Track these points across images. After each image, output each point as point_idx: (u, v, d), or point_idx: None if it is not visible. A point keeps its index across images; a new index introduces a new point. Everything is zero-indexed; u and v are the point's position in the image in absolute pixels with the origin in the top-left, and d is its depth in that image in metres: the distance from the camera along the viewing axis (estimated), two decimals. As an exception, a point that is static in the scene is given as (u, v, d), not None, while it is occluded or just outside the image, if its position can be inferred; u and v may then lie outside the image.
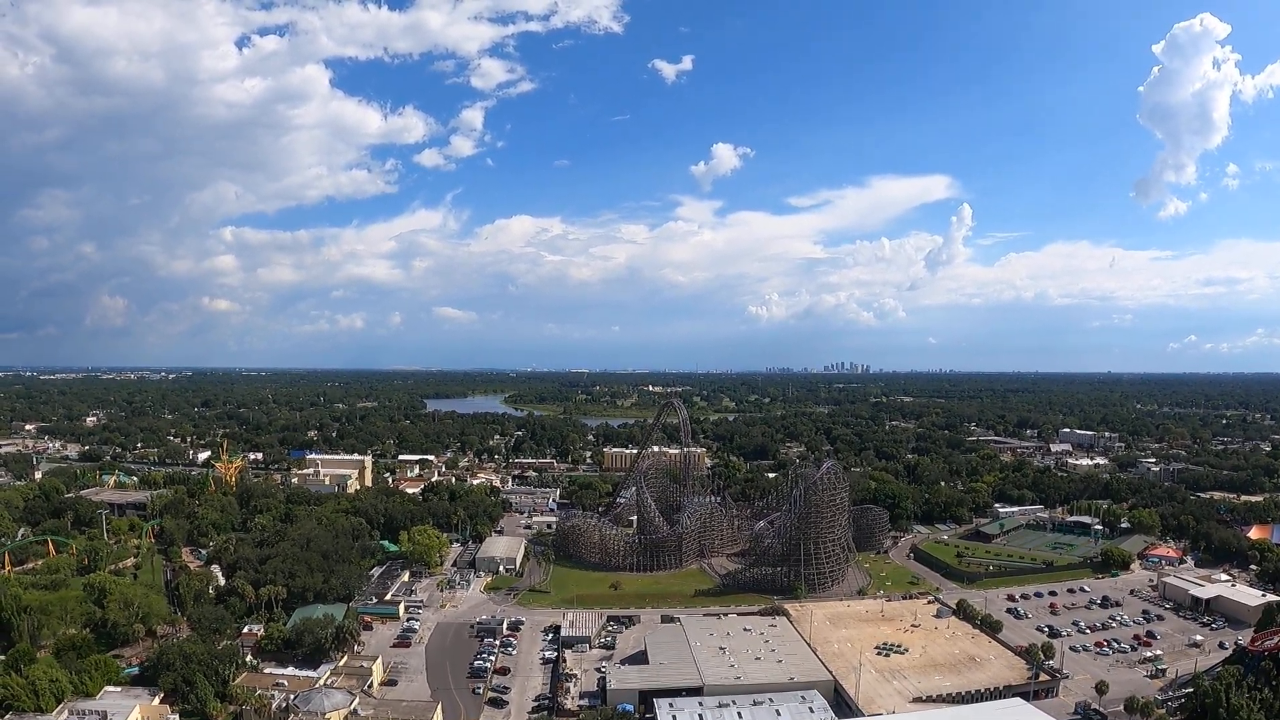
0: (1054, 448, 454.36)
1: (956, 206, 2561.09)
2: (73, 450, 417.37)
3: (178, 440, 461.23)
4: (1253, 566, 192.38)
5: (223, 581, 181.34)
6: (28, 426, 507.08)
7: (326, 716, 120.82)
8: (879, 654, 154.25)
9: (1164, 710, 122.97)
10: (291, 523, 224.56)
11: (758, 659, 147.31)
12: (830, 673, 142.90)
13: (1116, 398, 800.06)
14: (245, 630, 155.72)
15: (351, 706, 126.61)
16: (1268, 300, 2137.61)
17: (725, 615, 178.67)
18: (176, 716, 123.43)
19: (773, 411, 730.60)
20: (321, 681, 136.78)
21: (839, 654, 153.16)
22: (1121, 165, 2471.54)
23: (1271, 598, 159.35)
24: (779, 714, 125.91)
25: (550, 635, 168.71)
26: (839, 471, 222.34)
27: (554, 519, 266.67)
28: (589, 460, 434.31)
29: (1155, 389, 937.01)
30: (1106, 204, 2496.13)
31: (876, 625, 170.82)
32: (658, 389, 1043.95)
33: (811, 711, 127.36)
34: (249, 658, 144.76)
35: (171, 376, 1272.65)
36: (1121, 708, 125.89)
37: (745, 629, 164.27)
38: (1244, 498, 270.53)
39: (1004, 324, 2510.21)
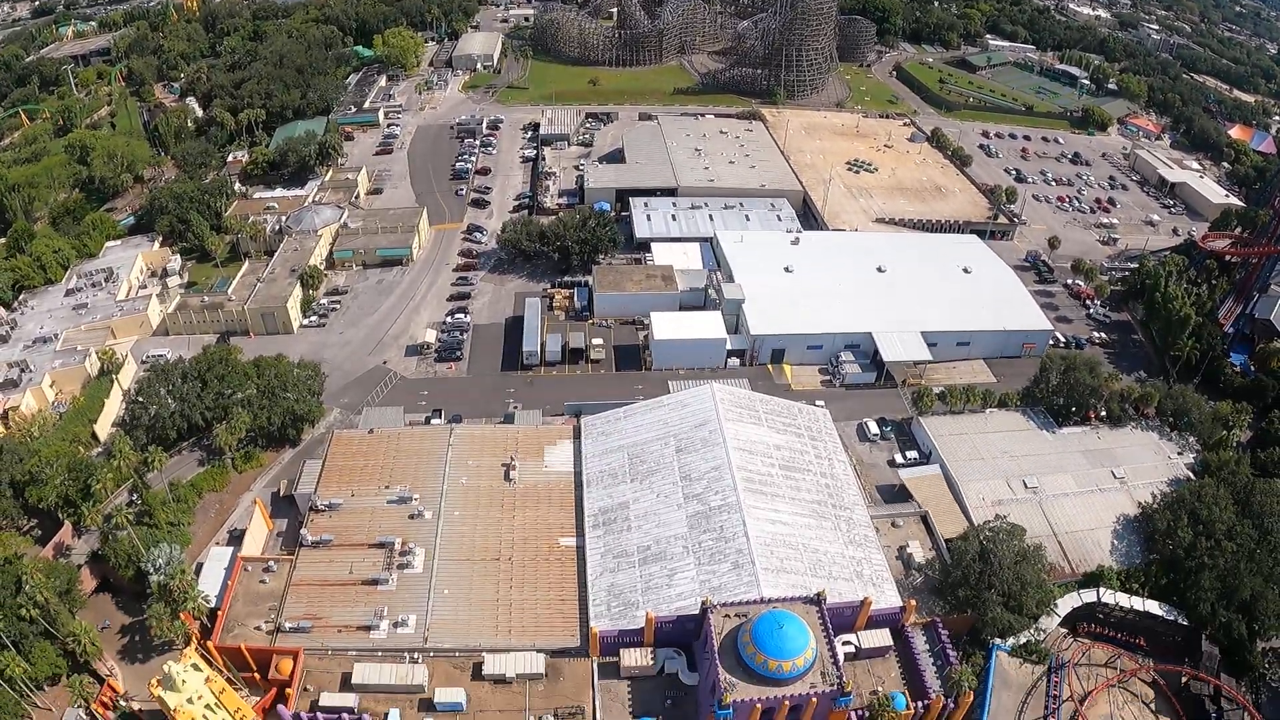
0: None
1: None
2: (24, 9, 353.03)
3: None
4: (1225, 164, 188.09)
5: (200, 113, 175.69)
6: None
7: (318, 233, 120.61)
8: (849, 170, 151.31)
9: (1106, 278, 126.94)
10: (262, 40, 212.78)
11: (731, 163, 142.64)
12: (800, 183, 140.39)
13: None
14: (230, 159, 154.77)
15: (341, 220, 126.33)
16: None
17: (703, 116, 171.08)
18: (178, 257, 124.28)
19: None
20: (310, 199, 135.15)
21: (810, 165, 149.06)
22: None
23: (1234, 201, 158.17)
24: (748, 219, 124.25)
25: (529, 133, 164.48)
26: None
27: (532, 12, 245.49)
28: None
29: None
30: None
31: (850, 140, 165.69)
32: None
33: (779, 220, 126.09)
34: (237, 185, 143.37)
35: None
36: (1069, 265, 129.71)
37: (721, 131, 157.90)
38: (1236, 93, 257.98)
39: None
